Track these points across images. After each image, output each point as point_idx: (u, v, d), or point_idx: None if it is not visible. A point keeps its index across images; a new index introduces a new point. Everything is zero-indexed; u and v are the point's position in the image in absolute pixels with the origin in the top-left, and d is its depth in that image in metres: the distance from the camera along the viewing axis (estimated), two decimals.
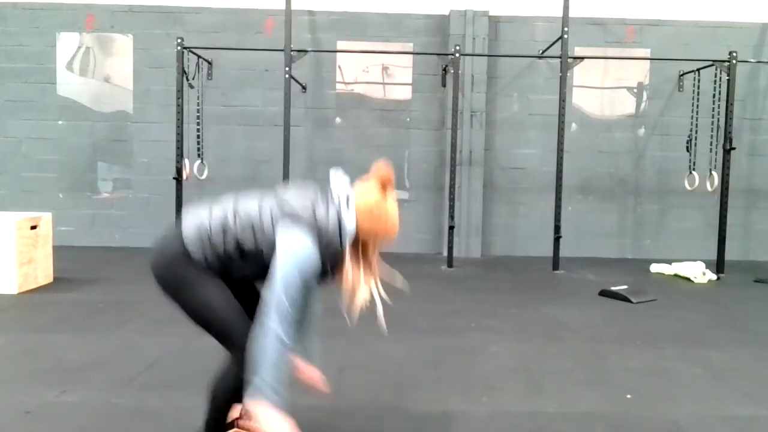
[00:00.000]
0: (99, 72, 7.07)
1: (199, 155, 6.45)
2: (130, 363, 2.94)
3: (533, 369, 3.04)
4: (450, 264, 6.13)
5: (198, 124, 6.47)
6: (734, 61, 5.96)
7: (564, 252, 6.17)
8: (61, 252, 5.53)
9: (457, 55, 6.09)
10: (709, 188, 6.31)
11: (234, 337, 1.84)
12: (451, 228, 6.20)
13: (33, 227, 4.65)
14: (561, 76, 6.02)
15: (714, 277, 5.75)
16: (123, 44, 7.03)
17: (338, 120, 7.13)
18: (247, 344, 1.75)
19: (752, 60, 6.77)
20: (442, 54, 6.66)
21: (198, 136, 6.44)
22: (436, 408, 2.49)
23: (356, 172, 6.95)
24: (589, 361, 3.19)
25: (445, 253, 6.30)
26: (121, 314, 3.91)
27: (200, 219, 1.87)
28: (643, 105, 7.13)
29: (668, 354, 3.33)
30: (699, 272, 5.72)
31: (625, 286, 4.91)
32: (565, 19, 5.91)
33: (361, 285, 1.85)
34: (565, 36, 5.93)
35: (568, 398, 2.66)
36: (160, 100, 6.91)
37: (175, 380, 2.74)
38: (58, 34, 6.99)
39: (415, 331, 3.68)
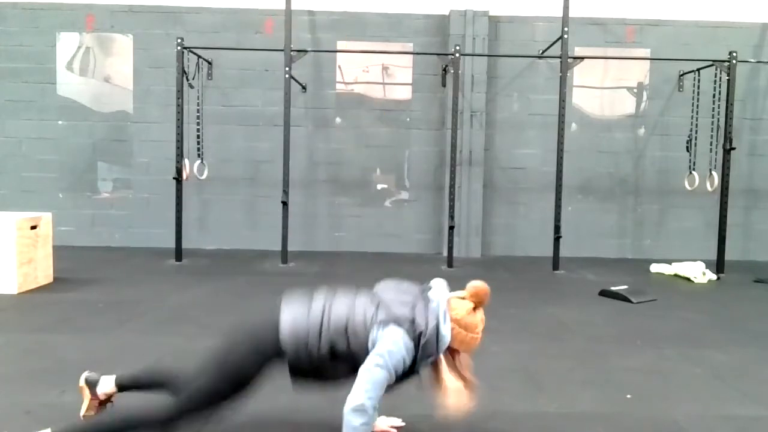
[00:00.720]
0: (99, 72, 7.07)
1: (199, 155, 6.45)
2: (130, 363, 2.93)
3: (533, 369, 3.04)
4: (450, 264, 6.13)
5: (198, 124, 6.47)
6: (734, 61, 5.97)
7: (564, 252, 6.17)
8: (61, 252, 5.53)
9: (457, 55, 6.09)
10: (709, 188, 6.31)
11: (189, 405, 1.91)
12: (451, 228, 6.20)
13: (33, 227, 4.65)
14: (561, 76, 6.02)
15: (714, 277, 5.75)
16: (123, 44, 7.03)
17: (338, 120, 7.13)
18: (180, 417, 1.88)
19: (752, 60, 6.77)
20: (442, 54, 6.66)
21: (198, 136, 6.44)
22: (436, 408, 2.48)
23: (356, 171, 6.96)
24: (589, 361, 3.19)
25: (445, 253, 6.30)
26: (121, 314, 3.91)
27: (298, 319, 1.93)
28: (643, 105, 7.13)
29: (668, 354, 3.33)
30: (699, 272, 5.72)
31: (625, 286, 4.91)
32: (565, 19, 5.91)
33: (452, 386, 1.96)
34: (565, 36, 5.93)
35: (568, 398, 2.66)
36: (160, 100, 6.91)
37: None
38: (58, 34, 6.99)
39: None
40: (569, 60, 6.05)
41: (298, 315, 1.94)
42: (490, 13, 6.85)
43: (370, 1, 6.97)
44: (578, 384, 2.84)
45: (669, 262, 6.18)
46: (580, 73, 6.95)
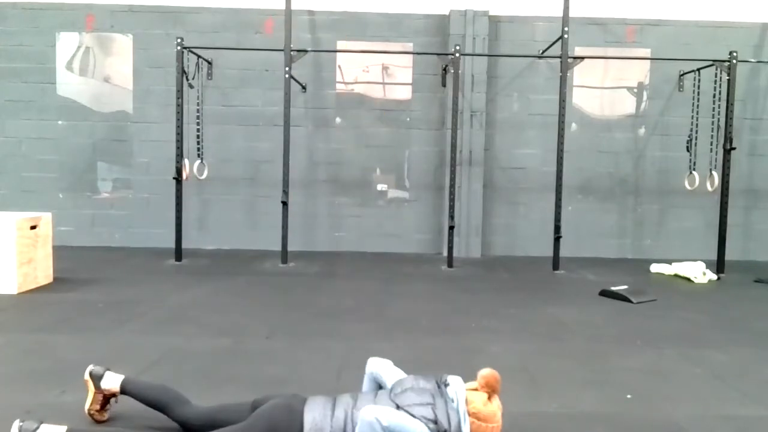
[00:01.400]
0: (99, 72, 7.07)
1: (199, 155, 6.45)
2: (130, 363, 2.94)
3: (533, 369, 3.04)
4: (450, 264, 6.13)
5: (198, 124, 6.46)
6: (734, 61, 5.96)
7: (564, 252, 6.17)
8: (61, 252, 5.53)
9: (457, 55, 6.09)
10: (709, 188, 6.31)
11: None
12: (451, 228, 6.20)
13: (33, 227, 4.65)
14: (561, 76, 6.02)
15: (714, 277, 5.75)
16: (123, 44, 7.03)
17: (338, 120, 7.13)
18: None
19: (752, 60, 6.77)
20: (442, 54, 6.66)
21: (198, 136, 6.44)
22: None
23: (356, 172, 6.97)
24: (589, 361, 3.19)
25: (445, 253, 6.30)
26: (121, 314, 3.91)
27: (318, 421, 1.95)
28: (643, 105, 7.13)
29: (668, 354, 3.33)
30: (699, 272, 5.72)
31: (625, 286, 4.91)
32: (565, 19, 5.91)
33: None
34: (565, 36, 5.93)
35: (568, 398, 2.66)
36: (160, 100, 6.91)
37: (175, 380, 2.73)
38: (58, 34, 6.99)
39: (415, 331, 3.68)
40: (569, 60, 6.05)
41: (320, 418, 1.97)
42: (490, 13, 6.85)
43: (370, 1, 6.97)
44: (578, 384, 2.84)
45: (669, 262, 6.18)
46: (580, 73, 6.95)
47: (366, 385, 2.29)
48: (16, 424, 2.01)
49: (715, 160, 6.27)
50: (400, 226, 7.16)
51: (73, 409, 2.36)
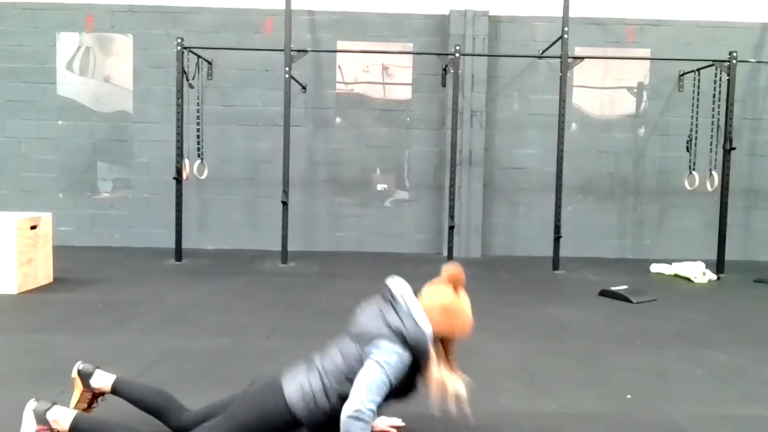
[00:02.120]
0: (99, 72, 7.07)
1: (199, 155, 6.45)
2: (130, 363, 2.94)
3: (533, 369, 3.04)
4: None
5: (198, 124, 6.47)
6: (734, 61, 5.96)
7: (564, 252, 6.17)
8: (61, 252, 5.53)
9: (457, 55, 6.09)
10: (709, 188, 6.31)
11: None
12: (451, 228, 6.20)
13: (33, 227, 4.65)
14: (561, 76, 6.02)
15: (714, 277, 5.75)
16: (123, 44, 7.03)
17: (338, 120, 7.13)
18: None
19: (752, 60, 6.77)
20: (442, 54, 6.66)
21: (198, 136, 6.44)
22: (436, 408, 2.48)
23: (356, 172, 6.96)
24: (589, 361, 3.19)
25: (445, 253, 6.30)
26: (121, 314, 3.91)
27: (301, 386, 1.96)
28: (643, 105, 7.13)
29: (668, 354, 3.33)
30: (699, 272, 5.72)
31: (625, 286, 4.91)
32: (565, 19, 5.91)
33: (448, 379, 1.96)
34: (565, 36, 5.93)
35: (568, 398, 2.66)
36: (160, 100, 6.91)
37: (175, 380, 2.74)
38: (58, 34, 6.99)
39: None
40: (569, 60, 6.05)
41: (300, 384, 1.97)
42: (490, 13, 6.85)
43: (370, 1, 6.97)
44: (578, 384, 2.84)
45: (669, 262, 6.18)
46: (580, 73, 6.95)
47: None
48: (30, 403, 2.02)
49: (715, 160, 6.27)
50: (400, 226, 7.16)
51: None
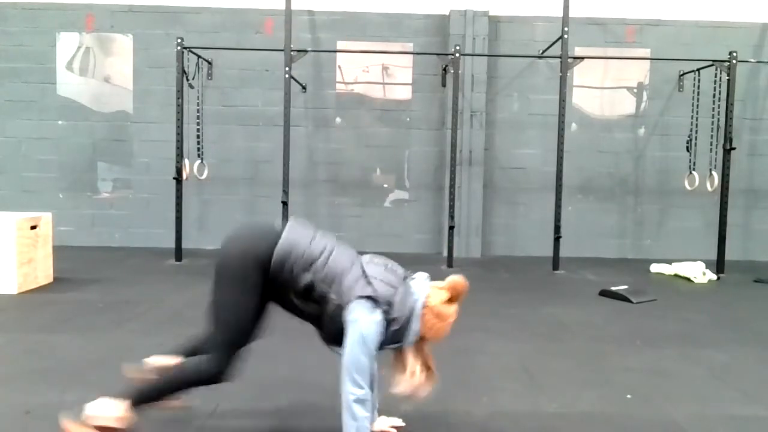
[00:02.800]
0: (99, 72, 7.07)
1: (199, 155, 6.45)
2: (130, 363, 2.93)
3: (533, 369, 3.04)
4: (450, 264, 6.13)
5: (198, 124, 6.47)
6: (734, 61, 5.96)
7: (564, 252, 6.17)
8: (61, 252, 5.53)
9: (457, 55, 6.09)
10: (709, 188, 6.31)
11: (222, 350, 1.99)
12: (451, 228, 6.20)
13: (33, 227, 4.65)
14: (561, 76, 6.02)
15: (714, 277, 5.75)
16: (123, 44, 7.03)
17: (338, 120, 7.13)
18: (223, 369, 1.98)
19: (752, 60, 6.77)
20: (442, 54, 6.66)
21: (198, 136, 6.44)
22: (436, 408, 2.48)
23: (356, 172, 6.95)
24: (589, 361, 3.19)
25: (445, 253, 6.30)
26: (121, 314, 3.91)
27: (299, 242, 1.98)
28: (643, 105, 7.13)
29: (668, 354, 3.33)
30: (699, 272, 5.72)
31: (625, 286, 4.91)
32: (565, 19, 5.91)
33: (417, 374, 2.00)
34: (565, 36, 5.93)
35: (568, 398, 2.66)
36: (160, 100, 6.91)
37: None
38: (58, 34, 6.99)
39: None
40: (569, 60, 6.05)
41: (300, 238, 1.99)
42: (490, 13, 6.85)
43: (370, 1, 6.97)
44: (578, 384, 2.84)
45: (669, 262, 6.18)
46: (580, 73, 6.95)
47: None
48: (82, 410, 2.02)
49: (715, 160, 6.27)
50: (400, 226, 7.16)
51: (74, 409, 2.36)
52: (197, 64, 6.48)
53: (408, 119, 7.13)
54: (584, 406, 2.58)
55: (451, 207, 6.23)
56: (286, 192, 6.01)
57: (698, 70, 6.55)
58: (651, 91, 7.10)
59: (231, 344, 1.99)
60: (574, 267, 6.22)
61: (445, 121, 6.95)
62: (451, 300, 1.98)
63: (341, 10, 6.99)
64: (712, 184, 6.28)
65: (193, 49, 6.30)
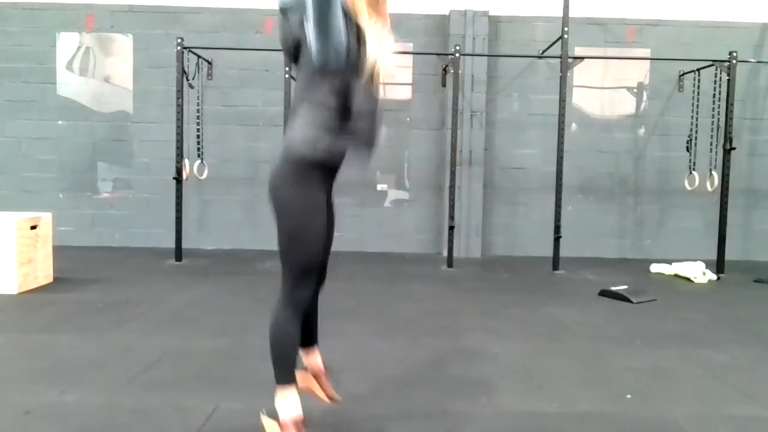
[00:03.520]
0: (99, 72, 7.07)
1: (199, 155, 6.45)
2: (130, 363, 2.94)
3: (533, 369, 3.04)
4: (450, 264, 6.13)
5: (198, 124, 6.47)
6: (734, 61, 5.96)
7: (564, 252, 6.17)
8: (61, 252, 5.53)
9: (457, 55, 6.09)
10: (709, 188, 6.31)
11: (296, 279, 2.03)
12: (451, 228, 6.20)
13: (33, 227, 4.65)
14: (561, 76, 6.02)
15: (714, 277, 5.75)
16: (123, 44, 7.03)
17: None
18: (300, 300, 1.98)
19: (752, 60, 6.77)
20: (442, 54, 6.66)
21: (198, 136, 6.44)
22: (437, 408, 2.49)
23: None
24: (589, 361, 3.19)
25: (445, 253, 6.30)
26: (121, 314, 3.91)
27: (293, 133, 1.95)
28: (643, 105, 7.13)
29: (668, 354, 3.33)
30: (699, 272, 5.72)
31: (625, 286, 4.91)
32: (565, 19, 5.90)
33: (383, 40, 1.95)
34: (565, 36, 5.93)
35: (568, 398, 2.66)
36: (160, 100, 6.91)
37: (175, 380, 2.74)
38: (58, 34, 6.99)
39: (416, 331, 3.68)
40: (569, 60, 6.05)
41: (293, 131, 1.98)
42: (490, 13, 6.85)
43: None
44: (578, 384, 2.84)
45: (669, 262, 6.18)
46: (580, 73, 6.95)
47: None
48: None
49: (715, 160, 6.27)
50: (400, 226, 7.16)
51: (74, 409, 2.36)
52: (197, 64, 6.48)
53: (408, 119, 7.13)
54: (584, 406, 2.58)
55: (451, 207, 6.23)
56: None
57: (698, 70, 6.55)
58: (651, 91, 7.10)
59: (299, 275, 2.05)
60: (574, 267, 6.22)
61: (445, 121, 6.95)
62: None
63: None
64: (712, 184, 6.28)
65: (193, 49, 6.30)
